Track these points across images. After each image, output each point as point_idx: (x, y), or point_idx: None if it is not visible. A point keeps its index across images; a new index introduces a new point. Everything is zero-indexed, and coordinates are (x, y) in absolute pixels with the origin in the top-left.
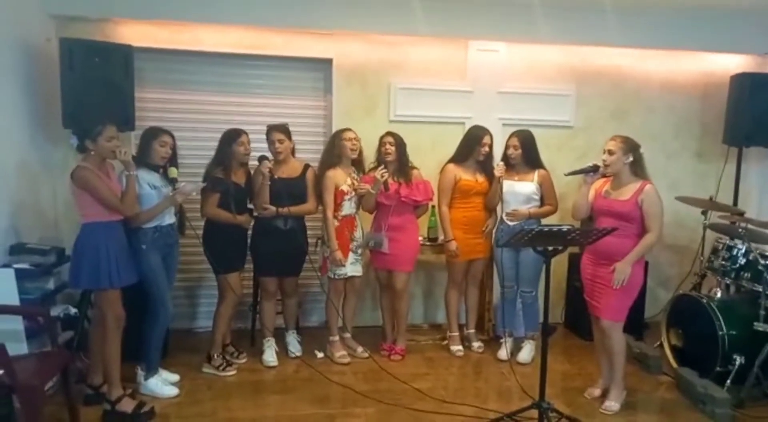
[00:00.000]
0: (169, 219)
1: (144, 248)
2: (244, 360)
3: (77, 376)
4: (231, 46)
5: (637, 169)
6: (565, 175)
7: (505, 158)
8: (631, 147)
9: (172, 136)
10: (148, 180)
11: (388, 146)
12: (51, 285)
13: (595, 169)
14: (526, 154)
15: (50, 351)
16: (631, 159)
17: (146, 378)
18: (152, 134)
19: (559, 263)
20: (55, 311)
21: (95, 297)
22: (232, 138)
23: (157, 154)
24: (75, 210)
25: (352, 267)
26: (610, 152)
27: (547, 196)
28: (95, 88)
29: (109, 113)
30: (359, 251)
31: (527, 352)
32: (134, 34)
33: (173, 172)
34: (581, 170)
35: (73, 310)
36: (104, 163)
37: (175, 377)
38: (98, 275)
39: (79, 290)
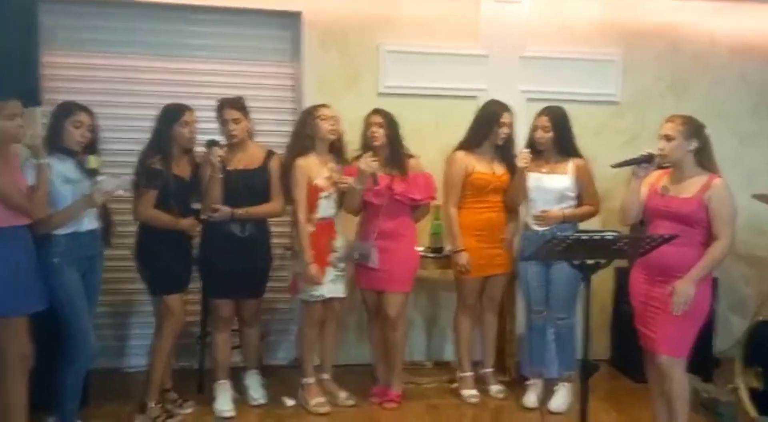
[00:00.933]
0: (90, 223)
1: (56, 262)
2: (189, 410)
3: None
4: None
5: (703, 158)
6: (612, 166)
7: (531, 143)
8: (694, 130)
9: (91, 114)
10: (60, 171)
11: (375, 128)
12: None
13: (649, 158)
14: (559, 138)
15: None
16: (695, 145)
17: None
18: (64, 111)
19: (603, 281)
20: None
21: None
22: (172, 117)
23: (71, 138)
24: None
25: (332, 287)
26: (668, 138)
27: (585, 192)
28: None
29: (6, 84)
30: (341, 265)
31: (562, 398)
32: None
33: (93, 161)
34: (632, 161)
35: None
36: (5, 149)
37: None
38: None
39: None
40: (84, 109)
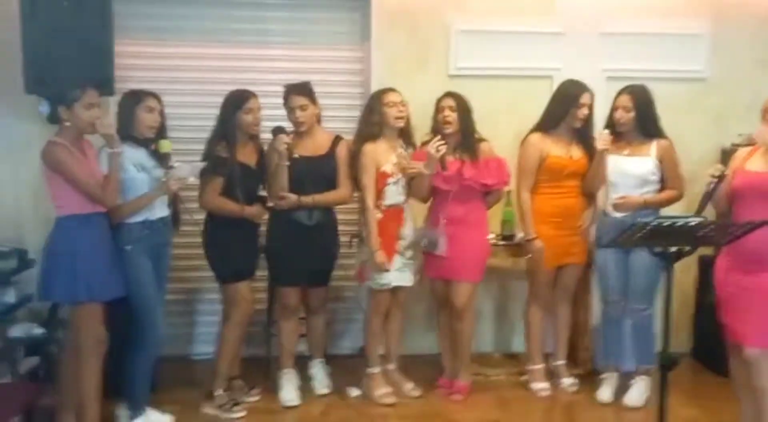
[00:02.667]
0: (161, 211)
1: (129, 249)
2: (256, 398)
3: (45, 416)
4: None
5: None
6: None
7: (612, 124)
8: None
9: (159, 99)
10: (133, 159)
11: (447, 112)
12: (11, 297)
13: (721, 178)
14: (642, 119)
15: (9, 383)
16: None
17: (132, 419)
18: (135, 98)
19: (686, 270)
20: (16, 331)
21: (70, 313)
22: (236, 103)
23: (143, 123)
24: (44, 199)
25: (399, 275)
26: None
27: (669, 175)
28: (65, 42)
29: (82, 73)
30: (409, 253)
31: (639, 393)
32: None
33: (165, 145)
34: (709, 194)
35: (39, 330)
36: (81, 138)
37: (168, 419)
38: (74, 284)
39: (49, 303)
40: (152, 94)
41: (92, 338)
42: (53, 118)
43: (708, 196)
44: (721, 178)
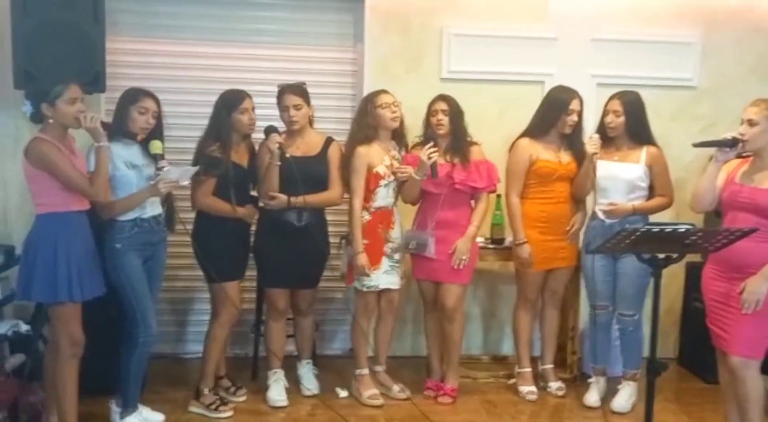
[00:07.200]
0: (153, 209)
1: (119, 247)
2: (243, 398)
3: (31, 413)
4: None
5: None
6: (694, 145)
7: (602, 129)
8: None
9: (157, 101)
10: (124, 157)
11: (440, 116)
12: None
13: (733, 142)
14: (632, 125)
15: None
16: None
17: (123, 417)
18: (130, 97)
19: (674, 276)
20: (2, 328)
21: (50, 312)
22: (232, 103)
23: (135, 124)
24: (29, 196)
25: (387, 278)
26: (751, 122)
27: (658, 182)
28: (55, 37)
29: (74, 69)
30: (397, 255)
31: (626, 398)
32: None
33: (156, 146)
34: (715, 142)
35: (24, 327)
36: (66, 134)
37: (159, 416)
38: (55, 284)
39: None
40: (150, 95)
41: (68, 339)
42: (36, 118)
43: (713, 143)
44: (734, 141)
